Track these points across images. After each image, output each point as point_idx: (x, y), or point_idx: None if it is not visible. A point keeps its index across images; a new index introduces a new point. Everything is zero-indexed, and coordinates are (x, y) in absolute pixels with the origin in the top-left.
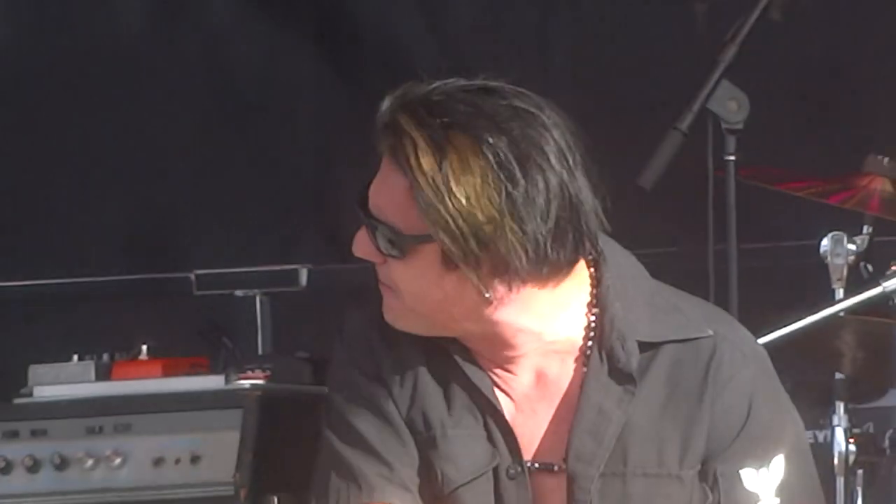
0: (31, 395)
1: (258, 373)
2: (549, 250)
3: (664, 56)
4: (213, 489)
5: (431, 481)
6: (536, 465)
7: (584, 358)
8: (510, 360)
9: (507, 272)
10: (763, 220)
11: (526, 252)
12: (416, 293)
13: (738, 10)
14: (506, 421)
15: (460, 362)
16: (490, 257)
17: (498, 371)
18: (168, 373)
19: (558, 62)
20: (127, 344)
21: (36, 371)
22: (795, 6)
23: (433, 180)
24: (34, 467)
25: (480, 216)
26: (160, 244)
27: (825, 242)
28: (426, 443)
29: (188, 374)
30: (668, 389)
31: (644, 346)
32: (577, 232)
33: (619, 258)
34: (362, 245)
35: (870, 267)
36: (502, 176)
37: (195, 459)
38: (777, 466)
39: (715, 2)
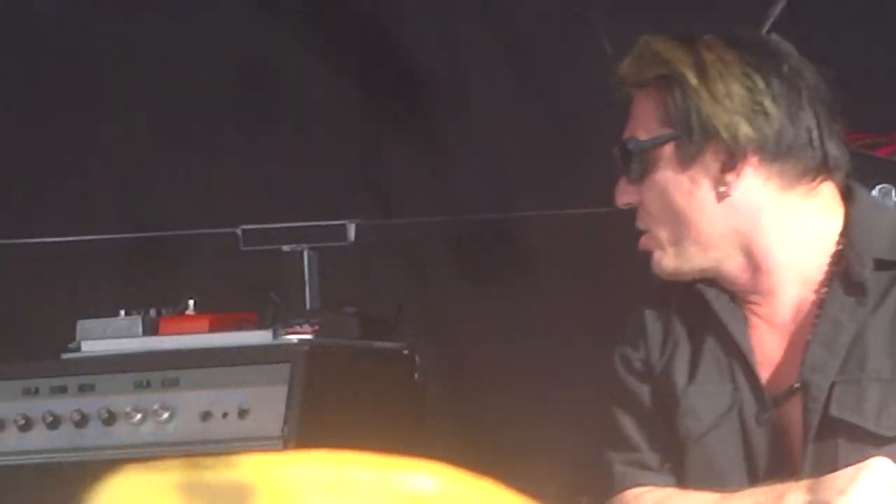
0: (78, 349)
1: (306, 328)
2: (785, 147)
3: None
4: (262, 443)
5: (678, 440)
6: (779, 397)
7: (827, 282)
8: (768, 290)
9: (741, 161)
10: None
11: (763, 142)
12: (662, 208)
13: None
14: (749, 365)
15: (713, 301)
16: (725, 146)
17: (756, 308)
18: (215, 328)
19: None
20: (174, 299)
21: (84, 326)
22: None
23: (682, 71)
24: (82, 422)
25: (723, 104)
26: (206, 199)
27: (873, 195)
28: (670, 404)
29: (235, 329)
30: None
31: (884, 265)
32: (814, 145)
33: (869, 197)
34: (621, 190)
35: None
36: (751, 70)
37: (243, 413)
38: None
39: None
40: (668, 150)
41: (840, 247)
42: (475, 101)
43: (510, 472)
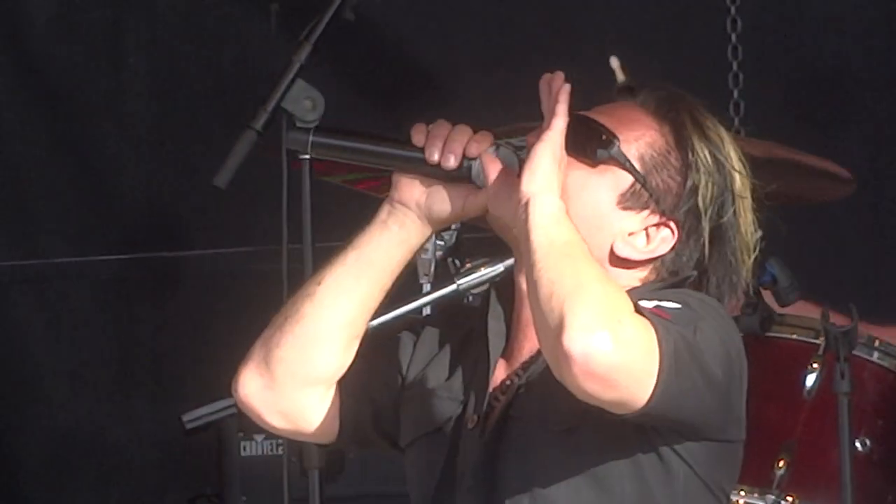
0: None
1: None
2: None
3: (241, 55)
4: None
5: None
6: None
7: None
8: None
9: (660, 231)
10: (342, 218)
11: (681, 251)
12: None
13: (311, 10)
14: (486, 376)
15: (492, 302)
16: (664, 218)
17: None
18: None
19: (132, 63)
20: None
21: None
22: (368, 6)
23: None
24: None
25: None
26: None
27: None
28: (407, 398)
29: None
30: None
31: None
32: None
33: None
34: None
35: (458, 262)
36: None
37: None
38: (671, 305)
39: (288, 1)
40: (623, 179)
41: None
42: None
43: None
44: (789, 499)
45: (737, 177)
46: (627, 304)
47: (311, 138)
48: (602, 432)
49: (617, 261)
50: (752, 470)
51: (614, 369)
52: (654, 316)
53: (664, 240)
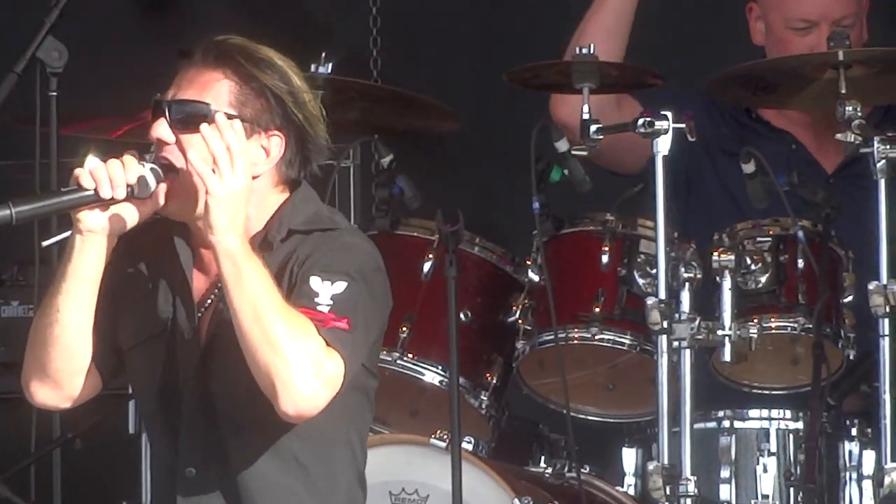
0: None
1: None
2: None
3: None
4: None
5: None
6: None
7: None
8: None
9: (280, 161)
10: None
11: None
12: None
13: None
14: (188, 286)
15: (178, 245)
16: (274, 142)
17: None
18: None
19: None
20: None
21: None
22: None
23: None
24: None
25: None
26: None
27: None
28: (120, 316)
29: None
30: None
31: (296, 233)
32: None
33: (307, 190)
34: (164, 128)
35: None
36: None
37: None
38: (339, 286)
39: None
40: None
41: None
42: None
43: None
44: (410, 355)
45: (293, 77)
46: (316, 345)
47: (12, 212)
48: None
49: (254, 178)
50: (384, 335)
51: (320, 407)
52: (337, 337)
53: (277, 144)
